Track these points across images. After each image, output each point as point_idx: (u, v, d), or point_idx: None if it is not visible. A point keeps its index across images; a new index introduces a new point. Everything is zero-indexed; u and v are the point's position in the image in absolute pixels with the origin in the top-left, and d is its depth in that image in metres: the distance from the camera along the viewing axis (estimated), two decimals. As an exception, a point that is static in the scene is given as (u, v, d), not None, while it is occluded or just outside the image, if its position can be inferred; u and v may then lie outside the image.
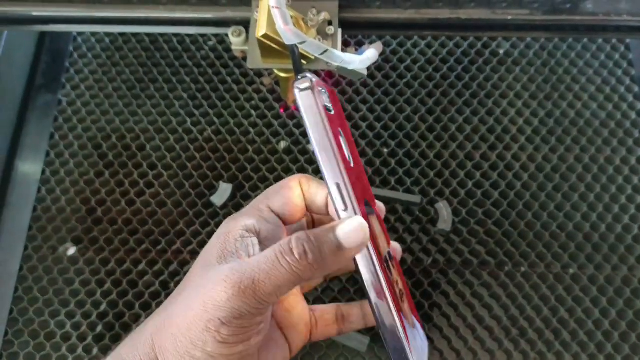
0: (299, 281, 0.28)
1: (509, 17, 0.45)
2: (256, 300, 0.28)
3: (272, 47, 0.41)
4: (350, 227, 0.29)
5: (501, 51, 0.56)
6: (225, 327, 0.28)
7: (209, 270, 0.29)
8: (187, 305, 0.29)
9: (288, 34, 0.38)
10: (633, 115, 0.53)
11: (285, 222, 0.33)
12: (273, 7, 0.38)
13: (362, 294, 0.45)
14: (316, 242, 0.28)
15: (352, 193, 0.30)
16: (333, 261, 0.29)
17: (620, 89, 0.54)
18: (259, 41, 0.41)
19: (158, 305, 0.46)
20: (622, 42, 0.55)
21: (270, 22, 0.40)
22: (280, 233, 0.32)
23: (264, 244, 0.31)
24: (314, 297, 0.47)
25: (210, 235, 0.35)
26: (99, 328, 0.47)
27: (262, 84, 0.55)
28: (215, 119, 0.53)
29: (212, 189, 0.51)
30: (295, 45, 0.39)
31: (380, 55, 0.51)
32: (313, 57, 0.41)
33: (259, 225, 0.31)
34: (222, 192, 0.50)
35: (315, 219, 0.36)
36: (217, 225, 0.36)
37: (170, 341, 0.29)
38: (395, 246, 0.35)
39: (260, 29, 0.40)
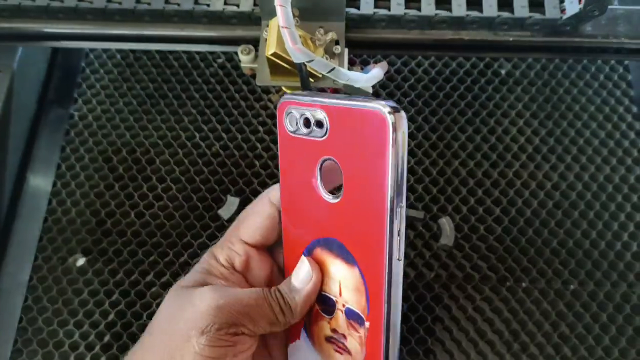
0: (276, 325, 0.31)
1: (510, 39, 0.47)
2: (236, 319, 0.30)
3: (280, 65, 0.42)
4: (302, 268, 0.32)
5: (503, 71, 0.57)
6: (203, 337, 0.29)
7: (187, 291, 0.31)
8: (168, 322, 0.31)
9: (297, 52, 0.39)
10: (632, 134, 0.54)
11: (262, 246, 0.34)
12: (282, 26, 0.39)
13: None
14: (289, 300, 0.32)
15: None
16: (298, 304, 0.32)
17: (619, 109, 0.55)
18: (268, 59, 0.42)
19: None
20: (621, 64, 0.57)
21: (280, 41, 0.41)
22: (255, 261, 0.34)
23: (238, 273, 0.33)
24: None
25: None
26: (107, 338, 0.48)
27: (269, 100, 0.56)
28: (224, 134, 0.55)
29: (220, 202, 0.52)
30: (304, 63, 0.41)
31: (385, 74, 0.52)
32: (320, 75, 0.42)
33: (232, 258, 0.33)
34: (229, 206, 0.51)
35: None
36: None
37: (149, 349, 0.31)
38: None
39: (270, 48, 0.42)
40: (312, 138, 0.30)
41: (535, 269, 0.49)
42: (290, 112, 0.31)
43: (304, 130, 0.30)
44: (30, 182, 0.54)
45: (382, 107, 0.26)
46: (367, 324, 0.30)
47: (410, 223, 0.51)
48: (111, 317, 0.48)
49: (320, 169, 0.30)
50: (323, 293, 0.32)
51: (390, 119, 0.26)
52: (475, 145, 0.54)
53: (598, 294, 0.48)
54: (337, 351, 0.32)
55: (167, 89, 0.57)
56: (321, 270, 0.31)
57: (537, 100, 0.56)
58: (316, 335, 0.33)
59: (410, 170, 0.53)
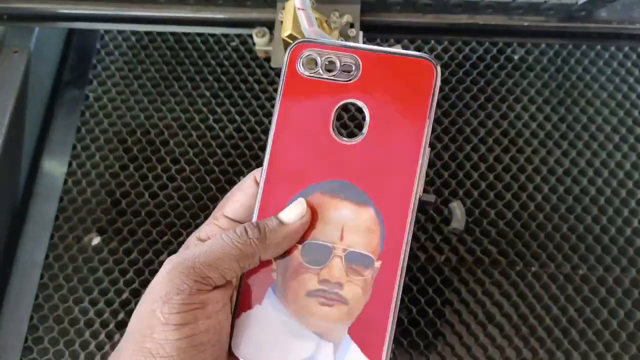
0: (241, 257, 0.29)
1: (525, 23, 0.47)
2: (195, 273, 0.28)
3: (296, 48, 0.43)
4: (291, 206, 0.30)
5: (516, 57, 0.57)
6: (166, 305, 0.28)
7: None
8: (139, 303, 0.29)
9: (312, 34, 0.40)
10: (644, 121, 0.54)
11: (245, 222, 0.32)
12: (299, 8, 0.40)
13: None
14: (258, 222, 0.30)
15: (265, 172, 0.31)
16: (274, 237, 0.30)
17: (632, 96, 0.55)
18: (284, 41, 0.43)
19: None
20: (635, 51, 0.57)
21: (296, 23, 0.42)
22: None
23: None
24: None
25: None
26: (121, 315, 0.49)
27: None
28: (237, 117, 0.55)
29: (233, 184, 0.52)
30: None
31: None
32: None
33: (214, 233, 0.32)
34: (243, 187, 0.52)
35: None
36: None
37: (125, 342, 0.29)
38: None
39: (286, 30, 0.42)
40: (335, 81, 0.30)
41: (545, 254, 0.49)
42: (309, 55, 0.31)
43: (325, 74, 0.30)
44: (47, 162, 0.55)
45: (430, 57, 0.29)
46: (377, 263, 0.30)
47: (422, 207, 0.51)
48: (125, 295, 0.49)
49: (337, 110, 0.30)
50: (314, 242, 0.31)
51: (438, 68, 0.29)
52: (487, 130, 0.54)
53: (607, 279, 0.49)
54: (324, 304, 0.31)
55: (181, 71, 0.57)
56: (316, 216, 0.31)
57: (549, 86, 0.56)
58: (293, 292, 0.31)
59: (422, 155, 0.53)
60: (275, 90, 0.56)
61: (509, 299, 0.48)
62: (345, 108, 0.31)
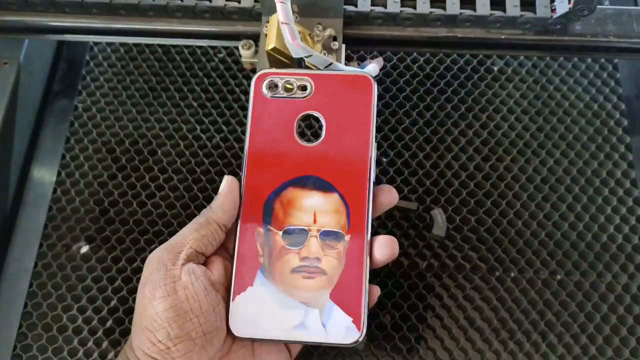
0: (199, 227, 0.36)
1: (502, 37, 0.48)
2: (166, 253, 0.35)
3: (280, 60, 0.44)
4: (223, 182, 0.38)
5: (495, 68, 0.59)
6: (149, 284, 0.34)
7: None
8: None
9: (296, 47, 0.41)
10: (619, 131, 0.56)
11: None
12: (282, 22, 0.41)
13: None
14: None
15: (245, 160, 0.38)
16: (216, 202, 0.37)
17: (608, 106, 0.57)
18: (268, 54, 0.44)
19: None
20: (610, 62, 0.59)
21: (280, 36, 0.43)
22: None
23: None
24: None
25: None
26: (109, 323, 0.49)
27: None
28: (224, 127, 0.56)
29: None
30: (302, 58, 0.42)
31: (382, 69, 0.54)
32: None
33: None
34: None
35: None
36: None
37: (132, 327, 0.36)
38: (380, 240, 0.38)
39: (270, 43, 0.43)
40: (293, 98, 0.38)
41: (523, 260, 0.51)
42: (271, 79, 0.39)
43: (284, 93, 0.38)
44: (36, 172, 0.55)
45: (366, 73, 0.39)
46: (347, 237, 0.37)
47: (404, 214, 0.52)
48: (114, 302, 0.50)
49: (298, 121, 0.38)
50: (292, 227, 0.37)
51: (374, 81, 0.38)
52: (467, 139, 0.55)
53: (584, 283, 0.50)
54: (306, 277, 0.36)
55: (169, 82, 0.59)
56: (291, 206, 0.37)
57: (528, 97, 0.57)
58: (279, 271, 0.36)
59: (404, 163, 0.54)
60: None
61: (489, 303, 0.50)
62: (304, 118, 0.38)
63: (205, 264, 0.37)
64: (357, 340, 0.36)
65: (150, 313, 0.34)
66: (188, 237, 0.36)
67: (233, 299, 0.36)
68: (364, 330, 0.36)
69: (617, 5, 0.51)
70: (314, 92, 0.38)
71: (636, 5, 0.60)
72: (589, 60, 0.59)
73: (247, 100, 0.40)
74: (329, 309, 0.36)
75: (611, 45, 0.49)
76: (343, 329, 0.36)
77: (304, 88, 0.38)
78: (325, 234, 0.37)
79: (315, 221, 0.37)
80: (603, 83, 0.58)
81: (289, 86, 0.39)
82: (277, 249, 0.37)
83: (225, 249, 0.39)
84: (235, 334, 0.36)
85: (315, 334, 0.36)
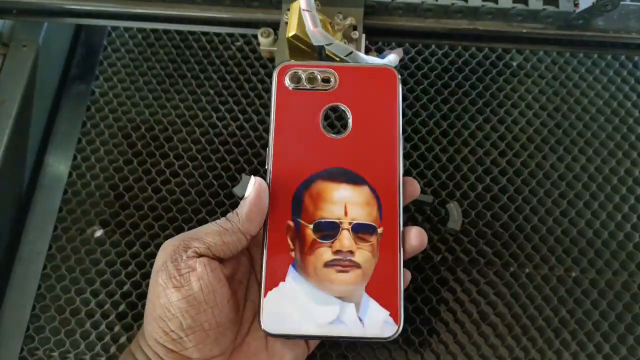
0: (222, 231, 0.35)
1: (524, 30, 0.48)
2: (183, 244, 0.34)
3: (300, 48, 0.44)
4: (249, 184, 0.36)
5: (514, 63, 0.58)
6: (164, 272, 0.34)
7: None
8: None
9: (317, 35, 0.41)
10: (638, 129, 0.55)
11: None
12: (304, 9, 0.41)
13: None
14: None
15: (271, 161, 0.37)
16: (242, 211, 0.36)
17: (627, 104, 0.56)
18: (289, 41, 0.44)
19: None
20: (631, 60, 0.58)
21: (300, 23, 0.43)
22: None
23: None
24: None
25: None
26: (122, 307, 0.49)
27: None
28: (240, 115, 0.56)
29: (234, 180, 0.53)
30: (323, 46, 0.42)
31: (400, 61, 0.53)
32: (338, 59, 0.43)
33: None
34: (244, 184, 0.52)
35: None
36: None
37: (145, 315, 0.36)
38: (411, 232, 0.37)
39: (291, 30, 0.43)
40: (317, 90, 0.38)
41: (538, 256, 0.50)
42: (293, 71, 0.38)
43: (308, 85, 0.38)
44: (52, 155, 0.56)
45: (390, 66, 0.38)
46: (380, 229, 0.36)
47: (419, 207, 0.52)
48: (127, 287, 0.50)
49: (324, 113, 0.37)
50: (323, 220, 0.36)
51: (398, 73, 0.38)
52: (484, 134, 0.55)
53: (599, 281, 0.50)
54: (341, 271, 0.36)
55: (185, 69, 0.59)
56: (321, 199, 0.36)
57: (546, 93, 0.57)
58: (312, 266, 0.36)
59: (421, 157, 0.54)
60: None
61: (503, 299, 0.49)
62: (329, 110, 0.38)
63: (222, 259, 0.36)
64: (396, 333, 0.35)
65: (163, 302, 0.34)
66: (207, 237, 0.35)
67: (265, 295, 0.35)
68: (402, 323, 0.35)
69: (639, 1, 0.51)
70: (338, 84, 0.38)
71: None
72: (609, 57, 0.58)
73: (270, 94, 0.39)
74: (365, 303, 0.35)
75: (633, 41, 0.49)
76: (381, 323, 0.35)
77: (327, 80, 0.38)
78: (358, 227, 0.36)
79: (346, 214, 0.36)
80: (623, 81, 0.57)
81: (312, 78, 0.38)
82: (308, 242, 0.36)
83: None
84: (269, 332, 0.35)
85: (353, 329, 0.35)
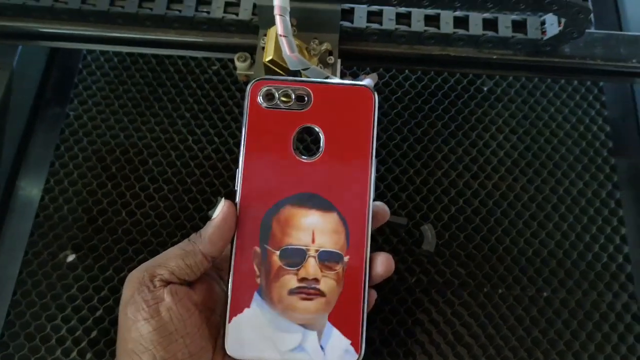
0: (184, 254, 0.34)
1: (494, 56, 0.49)
2: (147, 274, 0.34)
3: (276, 72, 0.45)
4: (218, 205, 0.35)
5: (485, 88, 0.60)
6: (132, 306, 0.33)
7: None
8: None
9: (293, 60, 0.42)
10: (604, 152, 0.57)
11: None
12: (281, 35, 0.41)
13: None
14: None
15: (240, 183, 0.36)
16: (206, 232, 0.35)
17: (593, 128, 0.58)
18: (265, 66, 0.44)
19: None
20: (596, 85, 0.60)
21: (277, 48, 0.43)
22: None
23: None
24: None
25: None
26: (94, 333, 0.49)
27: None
28: (216, 139, 0.56)
29: (210, 203, 0.53)
30: (299, 71, 0.43)
31: (375, 85, 0.54)
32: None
33: None
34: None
35: None
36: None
37: (117, 349, 0.35)
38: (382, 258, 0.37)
39: (268, 55, 0.44)
40: (291, 110, 0.36)
41: (511, 276, 0.51)
42: (267, 89, 0.36)
43: (282, 104, 0.36)
44: (24, 178, 0.55)
45: (368, 86, 0.36)
46: (346, 258, 0.36)
47: (394, 229, 0.53)
48: (99, 312, 0.49)
49: (296, 134, 0.36)
50: (290, 247, 0.35)
51: (375, 94, 0.36)
52: (457, 157, 0.56)
53: (570, 301, 0.51)
54: (304, 299, 0.35)
55: (162, 92, 0.59)
56: (289, 225, 0.35)
57: (516, 117, 0.58)
58: (277, 293, 0.35)
59: (395, 179, 0.55)
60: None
61: (477, 320, 0.50)
62: (302, 131, 0.36)
63: (189, 283, 0.36)
64: None
65: (134, 335, 0.33)
66: (170, 262, 0.34)
67: (229, 321, 0.35)
68: (362, 352, 0.35)
69: (605, 30, 0.53)
70: (312, 103, 0.36)
71: (621, 30, 0.62)
72: (576, 82, 0.60)
73: (242, 111, 0.38)
74: (327, 332, 0.35)
75: (598, 68, 0.51)
76: (341, 352, 0.35)
77: (302, 99, 0.36)
78: (324, 255, 0.35)
79: (313, 241, 0.36)
80: (589, 105, 0.59)
81: (286, 97, 0.36)
82: (274, 269, 0.35)
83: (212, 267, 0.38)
84: (233, 356, 0.35)
85: (314, 357, 0.35)
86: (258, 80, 0.36)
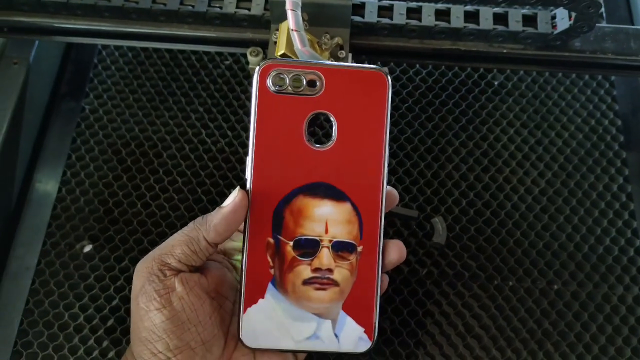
0: (188, 240, 0.34)
1: (504, 51, 0.50)
2: (156, 263, 0.34)
3: (289, 66, 0.45)
4: (231, 194, 0.35)
5: (496, 82, 0.60)
6: (144, 296, 0.33)
7: None
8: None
9: (304, 54, 0.42)
10: (616, 146, 0.57)
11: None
12: (293, 29, 0.42)
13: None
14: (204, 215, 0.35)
15: (251, 170, 0.35)
16: (212, 219, 0.34)
17: (605, 122, 0.58)
18: (278, 60, 0.45)
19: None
20: (607, 79, 0.60)
21: (289, 43, 0.44)
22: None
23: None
24: None
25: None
26: (111, 321, 0.50)
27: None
28: (229, 132, 0.57)
29: (223, 196, 0.54)
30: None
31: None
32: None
33: None
34: (233, 200, 0.53)
35: None
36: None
37: (131, 338, 0.35)
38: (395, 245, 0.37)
39: (280, 49, 0.44)
40: (302, 95, 0.34)
41: (521, 269, 0.52)
42: (277, 73, 0.34)
43: (292, 89, 0.34)
44: (41, 171, 0.56)
45: (381, 69, 0.35)
46: (360, 248, 0.36)
47: (405, 222, 0.53)
48: (115, 302, 0.50)
49: (308, 121, 0.35)
50: (303, 238, 0.35)
51: (389, 77, 0.34)
52: (468, 150, 0.57)
53: (580, 294, 0.51)
54: (318, 289, 0.36)
55: (175, 87, 0.60)
56: (302, 216, 0.35)
57: (527, 111, 0.59)
58: (290, 283, 0.35)
59: (406, 172, 0.55)
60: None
61: (488, 311, 0.50)
62: (314, 117, 0.35)
63: (198, 269, 0.36)
64: (369, 349, 0.36)
65: (147, 325, 0.33)
66: (176, 249, 0.34)
67: (244, 312, 0.35)
68: (375, 339, 0.36)
69: (615, 23, 0.53)
70: (324, 88, 0.34)
71: (633, 24, 0.62)
72: (587, 77, 0.60)
73: (250, 95, 0.37)
74: (341, 320, 0.36)
75: (609, 62, 0.51)
76: (355, 339, 0.36)
77: (313, 84, 0.34)
78: (338, 245, 0.35)
79: (327, 231, 0.35)
80: (600, 100, 0.59)
81: (297, 82, 0.34)
82: (287, 260, 0.35)
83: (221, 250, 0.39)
84: (248, 346, 0.36)
85: (329, 345, 0.36)
86: (267, 62, 0.34)
